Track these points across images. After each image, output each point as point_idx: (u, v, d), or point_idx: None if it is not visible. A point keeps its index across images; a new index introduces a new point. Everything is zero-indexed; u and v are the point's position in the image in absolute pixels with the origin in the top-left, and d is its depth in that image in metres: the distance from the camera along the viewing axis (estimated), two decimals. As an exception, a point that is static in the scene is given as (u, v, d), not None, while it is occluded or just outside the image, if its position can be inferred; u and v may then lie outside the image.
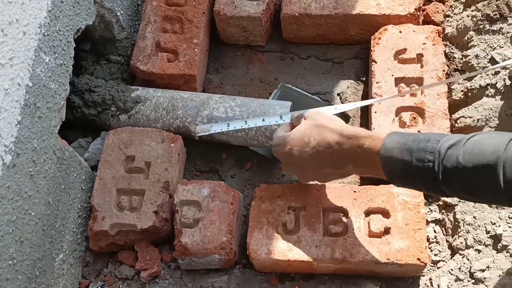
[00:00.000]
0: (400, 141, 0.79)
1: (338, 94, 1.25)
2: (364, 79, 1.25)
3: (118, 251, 1.08)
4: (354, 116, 1.22)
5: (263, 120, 1.06)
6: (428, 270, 1.00)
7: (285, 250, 0.96)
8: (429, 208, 1.05)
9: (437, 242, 1.02)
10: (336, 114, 1.21)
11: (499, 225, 0.94)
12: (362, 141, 0.83)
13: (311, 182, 1.00)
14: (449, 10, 1.26)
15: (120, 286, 1.05)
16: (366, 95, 1.22)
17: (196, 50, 1.21)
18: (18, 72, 0.84)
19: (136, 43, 1.23)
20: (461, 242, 0.97)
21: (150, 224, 1.03)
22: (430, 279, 0.98)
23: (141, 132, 1.12)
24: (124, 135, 1.11)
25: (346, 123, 1.22)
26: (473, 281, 0.92)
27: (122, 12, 1.24)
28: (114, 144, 1.11)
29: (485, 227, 0.95)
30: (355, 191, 1.00)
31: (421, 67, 1.12)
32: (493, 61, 1.10)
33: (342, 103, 1.24)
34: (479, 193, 0.72)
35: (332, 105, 1.13)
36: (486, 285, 0.90)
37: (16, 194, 0.85)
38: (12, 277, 0.85)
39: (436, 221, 1.04)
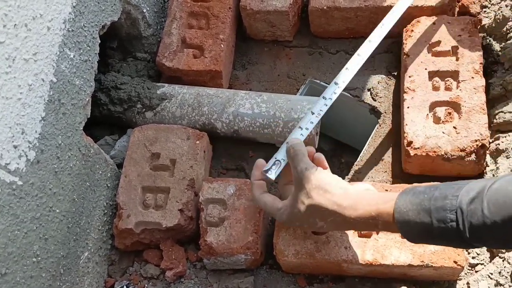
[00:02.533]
0: (415, 202, 0.72)
1: (369, 90, 1.20)
2: (395, 73, 1.20)
3: (143, 249, 1.07)
4: (385, 112, 1.17)
5: None
6: (466, 273, 0.95)
7: (313, 251, 0.93)
8: (466, 208, 0.99)
9: (475, 244, 0.96)
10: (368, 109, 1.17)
11: (543, 227, 0.88)
12: (372, 214, 0.76)
13: None
14: (486, 0, 1.20)
15: (146, 285, 1.04)
16: (398, 90, 1.17)
17: (222, 45, 1.19)
18: (42, 68, 0.83)
19: (161, 39, 1.22)
20: (501, 245, 0.92)
21: (175, 223, 1.01)
22: (468, 283, 0.93)
23: (166, 129, 1.10)
24: (150, 132, 1.10)
25: (378, 119, 1.17)
26: (514, 285, 0.87)
27: (148, 8, 1.23)
28: (139, 141, 1.09)
29: (527, 228, 0.89)
30: (386, 190, 0.96)
31: (457, 60, 1.07)
32: (534, 52, 1.04)
33: (373, 99, 1.19)
34: None
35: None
36: (529, 290, 0.84)
37: (41, 191, 0.84)
38: (36, 275, 0.84)
39: (474, 222, 0.98)
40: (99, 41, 1.02)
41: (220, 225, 0.99)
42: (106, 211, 1.06)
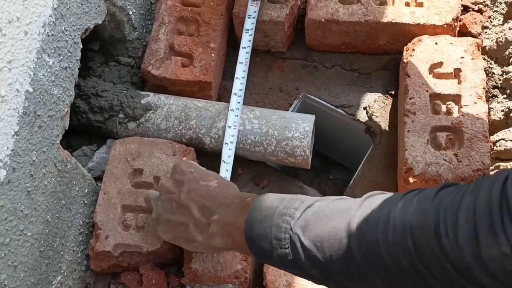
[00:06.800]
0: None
1: (365, 108, 1.15)
2: (393, 92, 1.15)
3: (121, 272, 0.99)
4: (381, 133, 1.12)
5: None
6: None
7: (306, 284, 0.87)
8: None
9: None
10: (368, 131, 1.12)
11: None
12: None
13: None
14: (487, 21, 1.16)
15: (122, 311, 0.96)
16: (395, 109, 1.13)
17: (212, 55, 1.11)
18: (17, 77, 0.75)
19: (148, 45, 1.14)
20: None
21: (157, 246, 0.93)
22: None
23: (150, 144, 1.02)
24: (132, 146, 1.02)
25: (373, 140, 1.12)
26: None
27: (134, 11, 1.15)
28: (121, 155, 1.01)
29: None
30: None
31: (459, 83, 1.02)
32: (538, 79, 1.01)
33: (369, 118, 1.14)
34: None
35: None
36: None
37: (11, 214, 0.76)
38: (3, 306, 0.76)
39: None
40: (81, 46, 0.94)
41: (207, 251, 0.92)
42: (82, 230, 0.98)
